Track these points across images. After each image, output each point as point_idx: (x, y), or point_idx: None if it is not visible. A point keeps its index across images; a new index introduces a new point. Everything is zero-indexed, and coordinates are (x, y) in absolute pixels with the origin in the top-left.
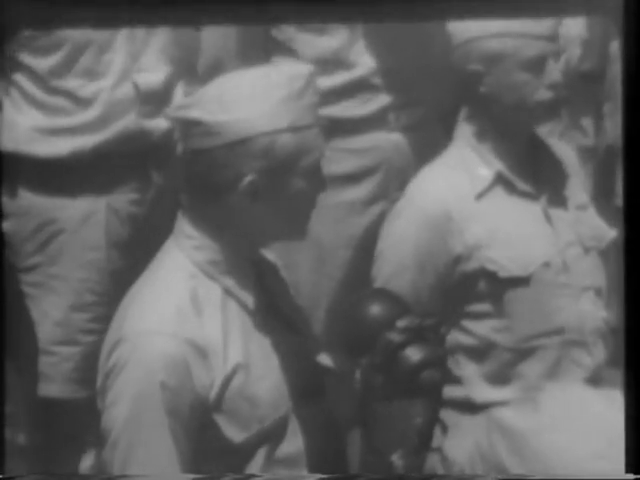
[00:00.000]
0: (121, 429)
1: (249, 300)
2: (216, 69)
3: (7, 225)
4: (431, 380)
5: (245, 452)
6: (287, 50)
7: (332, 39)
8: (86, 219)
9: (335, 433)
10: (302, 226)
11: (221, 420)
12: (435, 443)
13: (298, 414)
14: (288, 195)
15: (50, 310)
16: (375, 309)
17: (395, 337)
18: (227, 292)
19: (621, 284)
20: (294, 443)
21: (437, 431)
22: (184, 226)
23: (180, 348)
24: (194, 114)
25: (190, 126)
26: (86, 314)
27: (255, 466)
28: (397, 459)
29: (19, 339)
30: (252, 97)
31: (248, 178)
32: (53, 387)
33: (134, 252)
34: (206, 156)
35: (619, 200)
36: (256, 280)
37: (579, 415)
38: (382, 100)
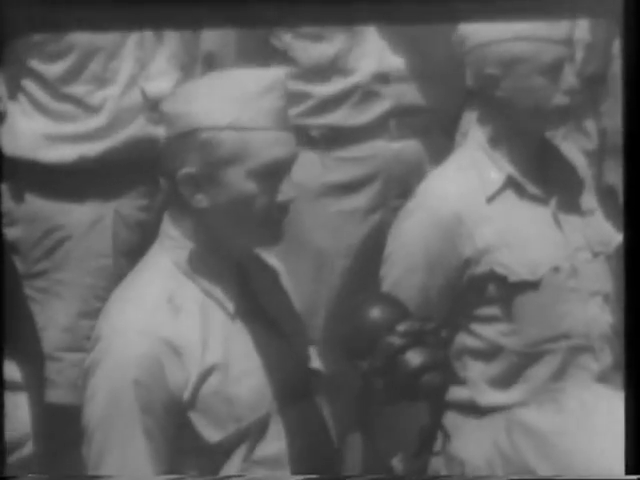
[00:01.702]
0: (95, 426)
1: (227, 301)
2: None
3: (14, 231)
4: (432, 384)
5: (222, 452)
6: (285, 58)
7: (330, 45)
8: (93, 225)
9: (322, 436)
10: (271, 232)
11: (196, 419)
12: (437, 446)
13: (283, 415)
14: (234, 195)
15: (57, 316)
16: (375, 313)
17: (395, 341)
18: (206, 292)
19: (622, 286)
20: (276, 445)
21: (440, 434)
22: (167, 226)
23: (154, 346)
24: (164, 105)
25: (161, 116)
26: (92, 321)
27: (233, 466)
28: (398, 463)
29: (23, 344)
30: (206, 94)
31: (185, 169)
32: (59, 393)
33: (141, 259)
34: (164, 146)
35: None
36: (238, 281)
37: (601, 415)
38: (381, 107)
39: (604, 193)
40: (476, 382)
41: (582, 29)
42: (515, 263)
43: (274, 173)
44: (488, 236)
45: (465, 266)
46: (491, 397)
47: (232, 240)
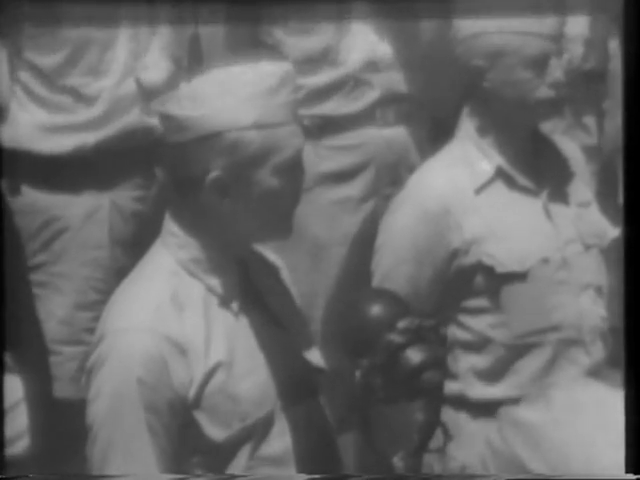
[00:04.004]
0: (100, 425)
1: (231, 299)
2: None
3: (11, 223)
4: (432, 381)
5: (227, 451)
6: (275, 53)
7: (320, 38)
8: (90, 216)
9: (326, 433)
10: (285, 224)
11: (202, 418)
12: (434, 444)
13: (287, 413)
14: (260, 193)
15: (55, 309)
16: (375, 310)
17: (395, 338)
18: (210, 290)
19: (621, 282)
20: (281, 442)
21: (438, 431)
22: (170, 224)
23: (158, 345)
24: (169, 109)
25: (166, 120)
26: (90, 313)
27: (238, 465)
28: (398, 460)
29: (22, 338)
30: (221, 94)
31: (213, 174)
32: (58, 386)
33: (138, 250)
34: (178, 151)
35: (621, 199)
36: (240, 279)
37: (592, 409)
38: (373, 95)
39: (603, 188)
40: (466, 375)
41: (582, 25)
42: (503, 254)
43: (294, 166)
44: (476, 227)
45: (453, 257)
46: (481, 390)
47: (244, 237)
